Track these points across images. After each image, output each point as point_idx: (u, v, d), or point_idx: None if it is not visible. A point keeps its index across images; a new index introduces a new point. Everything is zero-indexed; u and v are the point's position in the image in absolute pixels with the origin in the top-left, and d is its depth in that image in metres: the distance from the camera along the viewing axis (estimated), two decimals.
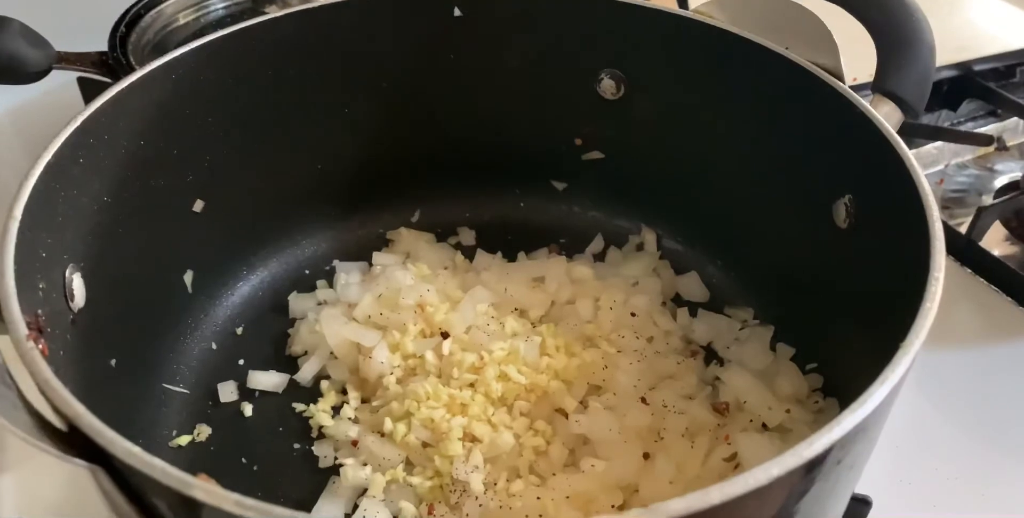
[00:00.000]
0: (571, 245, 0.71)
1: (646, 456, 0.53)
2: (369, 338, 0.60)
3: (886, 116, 0.54)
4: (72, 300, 0.47)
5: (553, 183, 0.73)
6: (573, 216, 0.73)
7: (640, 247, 0.71)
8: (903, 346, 0.37)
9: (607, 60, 0.64)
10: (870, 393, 0.35)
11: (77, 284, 0.47)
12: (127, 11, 0.84)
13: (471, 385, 0.57)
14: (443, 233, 0.72)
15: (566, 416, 0.56)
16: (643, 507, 0.30)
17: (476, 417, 0.55)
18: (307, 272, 0.69)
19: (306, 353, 0.63)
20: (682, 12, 0.60)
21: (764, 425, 0.56)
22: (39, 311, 0.41)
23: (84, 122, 0.49)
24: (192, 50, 0.56)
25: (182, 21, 0.89)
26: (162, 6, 0.87)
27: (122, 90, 0.52)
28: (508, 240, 0.71)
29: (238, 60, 0.59)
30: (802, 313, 0.61)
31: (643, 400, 0.56)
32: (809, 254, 0.59)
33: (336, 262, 0.69)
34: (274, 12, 0.84)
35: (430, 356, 0.59)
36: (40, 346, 0.37)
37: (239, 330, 0.64)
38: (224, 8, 0.91)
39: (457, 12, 0.62)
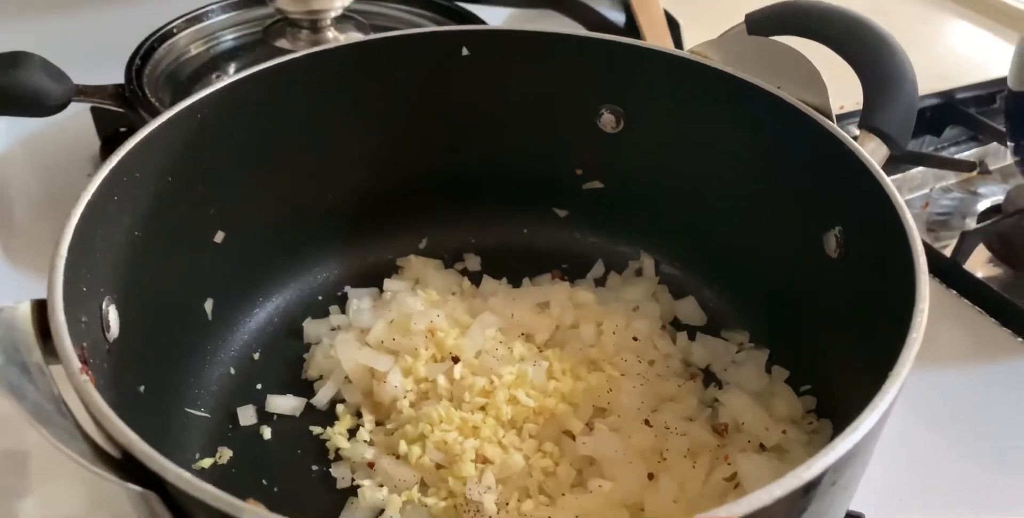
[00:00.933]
0: (573, 270, 0.74)
1: (650, 476, 0.56)
2: (382, 363, 0.63)
3: (872, 151, 0.57)
4: (108, 331, 0.49)
5: (555, 210, 0.76)
6: (574, 242, 0.76)
7: (639, 272, 0.74)
8: (891, 375, 0.40)
9: (607, 96, 0.67)
10: (862, 419, 0.38)
11: (112, 316, 0.50)
12: (141, 44, 0.87)
13: (482, 408, 0.59)
14: (449, 259, 0.75)
15: (573, 438, 0.59)
16: None
17: (487, 439, 0.58)
18: (320, 298, 0.72)
19: (321, 377, 0.65)
20: (679, 53, 0.63)
21: (762, 445, 0.59)
22: (84, 343, 0.43)
23: (120, 161, 0.52)
24: (215, 91, 0.59)
25: (193, 52, 0.92)
26: (174, 39, 0.90)
27: (153, 130, 0.54)
28: (512, 266, 0.74)
29: (256, 99, 0.62)
30: (795, 337, 0.64)
31: (647, 422, 0.59)
32: (802, 281, 0.62)
33: (347, 288, 0.72)
34: (284, 45, 0.88)
35: (442, 380, 0.62)
36: (88, 377, 0.39)
37: (256, 355, 0.67)
38: (233, 39, 0.94)
39: (464, 51, 0.66)
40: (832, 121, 0.57)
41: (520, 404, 0.59)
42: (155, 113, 0.77)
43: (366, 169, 0.71)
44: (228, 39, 0.93)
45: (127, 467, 0.36)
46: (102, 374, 0.46)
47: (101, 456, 0.36)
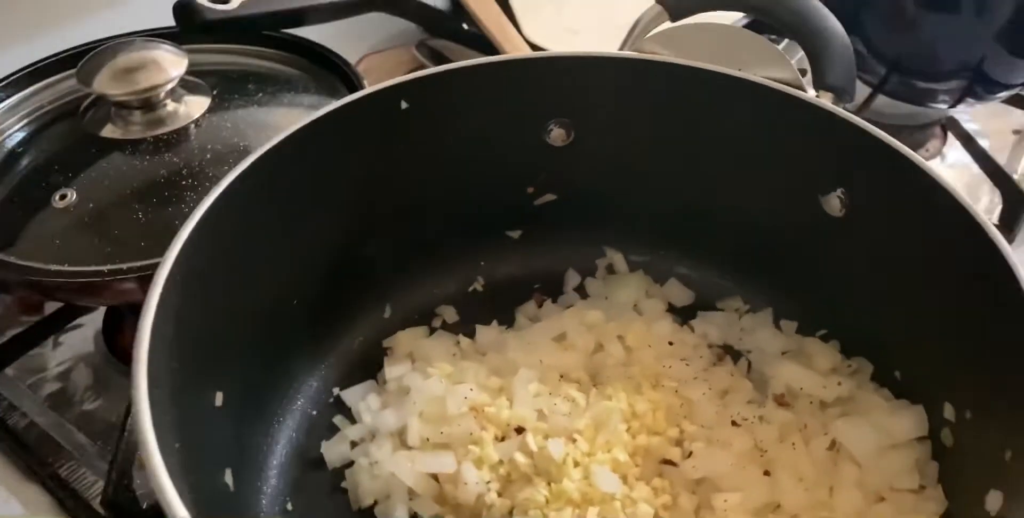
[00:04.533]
0: (550, 287, 0.71)
1: (766, 473, 0.57)
2: (445, 463, 0.57)
3: None
4: None
5: (508, 234, 0.71)
6: (535, 260, 0.72)
7: (610, 269, 0.72)
8: None
9: (554, 111, 0.63)
10: None
11: None
12: None
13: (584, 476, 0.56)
14: (420, 319, 0.68)
15: (672, 464, 0.58)
16: None
17: (604, 502, 0.55)
18: (314, 413, 0.62)
19: (377, 502, 0.58)
20: (625, 54, 0.61)
21: (822, 403, 0.61)
22: None
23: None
24: None
25: None
26: None
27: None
28: (488, 305, 0.69)
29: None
30: (789, 290, 0.66)
31: (733, 423, 0.59)
32: (793, 239, 0.64)
33: (337, 391, 0.63)
34: (114, 134, 0.70)
35: (520, 457, 0.57)
36: None
37: (289, 506, 0.57)
38: (25, 128, 0.73)
39: (404, 104, 0.57)
40: (804, 91, 0.58)
41: (617, 454, 0.56)
42: None
43: (314, 260, 0.61)
44: (17, 130, 0.73)
45: None
46: None
47: None
